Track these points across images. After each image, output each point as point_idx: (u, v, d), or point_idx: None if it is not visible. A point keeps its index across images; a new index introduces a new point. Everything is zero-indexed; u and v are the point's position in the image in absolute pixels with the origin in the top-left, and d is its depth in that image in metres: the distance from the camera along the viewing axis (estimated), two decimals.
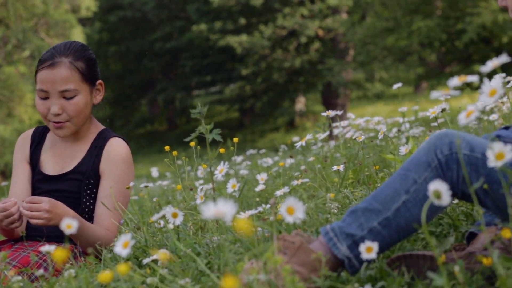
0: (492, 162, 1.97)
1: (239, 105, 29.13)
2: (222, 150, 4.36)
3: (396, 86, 5.25)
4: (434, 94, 1.97)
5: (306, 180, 2.97)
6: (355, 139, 3.49)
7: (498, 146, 1.98)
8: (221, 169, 3.06)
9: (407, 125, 5.75)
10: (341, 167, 3.72)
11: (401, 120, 5.81)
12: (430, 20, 19.78)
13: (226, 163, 3.07)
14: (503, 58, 1.92)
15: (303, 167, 5.67)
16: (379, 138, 3.11)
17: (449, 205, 2.35)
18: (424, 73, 22.48)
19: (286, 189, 2.92)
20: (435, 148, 2.28)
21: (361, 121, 5.60)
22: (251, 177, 6.78)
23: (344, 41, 24.45)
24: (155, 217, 2.22)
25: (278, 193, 2.95)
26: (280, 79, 26.04)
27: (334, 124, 5.66)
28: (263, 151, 8.72)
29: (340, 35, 25.17)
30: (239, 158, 8.14)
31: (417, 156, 2.32)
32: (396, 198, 2.29)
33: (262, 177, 2.95)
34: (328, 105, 25.85)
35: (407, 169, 2.31)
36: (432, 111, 2.67)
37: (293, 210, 2.12)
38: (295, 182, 2.94)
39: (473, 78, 1.97)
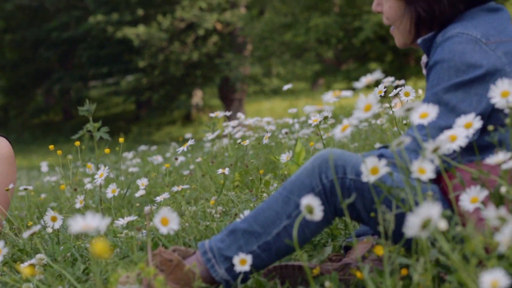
0: (366, 177, 1.98)
1: (136, 97, 28.87)
2: (107, 151, 4.29)
3: (286, 87, 5.27)
4: (307, 108, 1.95)
5: (186, 186, 2.92)
6: (240, 143, 3.46)
7: (372, 160, 1.99)
8: (101, 174, 2.99)
9: (297, 126, 5.77)
10: (226, 170, 3.69)
11: (291, 121, 5.82)
12: (327, 17, 19.97)
13: (107, 167, 3.00)
14: (377, 75, 1.92)
15: (192, 166, 5.64)
16: (264, 142, 3.09)
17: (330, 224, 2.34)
18: (321, 70, 22.73)
19: (166, 195, 2.87)
20: (320, 172, 2.25)
21: (251, 121, 5.60)
22: (141, 175, 6.71)
23: (242, 35, 24.48)
24: (26, 234, 2.14)
25: (158, 198, 2.90)
26: (177, 72, 25.91)
27: (224, 124, 5.64)
28: (154, 147, 8.66)
29: (238, 29, 25.20)
30: (129, 154, 8.05)
31: (300, 177, 2.27)
32: (277, 222, 2.25)
33: (142, 182, 2.89)
34: (225, 100, 25.88)
35: (290, 191, 2.26)
36: (314, 119, 2.66)
37: (167, 221, 2.08)
38: (175, 189, 2.90)
39: (347, 94, 1.96)
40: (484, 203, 1.99)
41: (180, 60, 25.26)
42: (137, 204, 3.13)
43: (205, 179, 4.43)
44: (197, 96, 29.82)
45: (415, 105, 1.91)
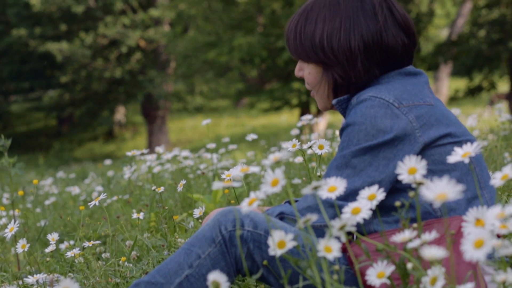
0: (273, 251, 1.98)
1: (58, 113, 28.48)
2: (35, 181, 4.22)
3: (205, 122, 5.26)
4: (216, 185, 1.94)
5: (97, 242, 2.88)
6: (154, 189, 3.42)
7: (279, 234, 1.99)
8: (11, 228, 2.91)
9: (216, 159, 5.75)
10: (141, 215, 3.65)
11: (209, 156, 5.81)
12: (251, 36, 20.03)
13: (17, 222, 2.93)
14: (284, 154, 1.92)
15: (109, 201, 5.57)
16: (178, 190, 3.07)
17: None
18: (245, 89, 22.78)
19: (76, 251, 2.82)
20: (219, 224, 2.30)
21: (169, 156, 5.56)
22: (61, 203, 6.61)
23: (165, 53, 24.39)
24: None
25: (69, 254, 2.85)
26: (100, 89, 25.67)
27: (148, 157, 5.59)
28: (72, 175, 8.55)
29: (162, 46, 25.10)
30: (47, 181, 7.92)
31: (202, 232, 2.33)
32: (179, 272, 2.30)
33: (53, 237, 2.84)
34: (148, 117, 25.72)
35: (192, 244, 2.32)
36: (228, 174, 2.66)
37: None
38: (86, 244, 2.85)
39: (254, 170, 1.96)
40: (391, 277, 2.00)
41: (103, 77, 25.03)
42: (47, 259, 3.07)
43: (120, 220, 4.39)
44: (120, 113, 29.59)
45: (322, 183, 1.92)
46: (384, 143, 2.26)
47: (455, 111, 6.23)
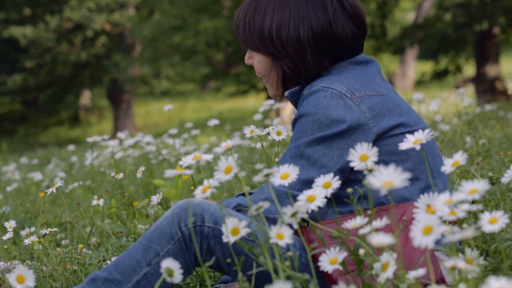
0: (226, 237, 1.99)
1: (22, 97, 28.21)
2: None
3: (167, 107, 5.24)
4: (169, 173, 1.95)
5: (55, 229, 2.87)
6: (114, 176, 3.41)
7: (232, 221, 2.00)
8: None
9: (178, 144, 5.75)
10: (101, 201, 3.64)
11: (171, 141, 5.80)
12: (217, 20, 19.96)
13: None
14: (236, 140, 1.92)
15: (71, 187, 5.54)
16: (138, 176, 3.06)
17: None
18: (211, 73, 22.74)
19: (34, 238, 2.81)
20: (179, 220, 2.29)
21: (131, 141, 5.55)
22: (24, 189, 6.57)
23: (131, 36, 24.24)
24: None
25: (26, 241, 2.83)
26: (65, 73, 25.46)
27: (110, 143, 5.57)
28: (36, 161, 8.50)
29: (127, 30, 24.94)
30: (11, 167, 7.86)
31: (160, 227, 2.31)
32: (138, 269, 2.28)
33: (10, 224, 2.82)
34: (114, 101, 25.59)
35: (150, 240, 2.30)
36: (184, 161, 2.65)
37: (24, 279, 2.04)
38: (43, 232, 2.84)
39: (207, 157, 1.96)
40: (345, 263, 2.02)
41: (68, 61, 24.82)
42: (5, 247, 3.06)
43: (81, 206, 4.37)
44: (85, 97, 29.40)
45: (274, 170, 1.93)
46: (338, 133, 2.28)
47: (418, 95, 6.27)
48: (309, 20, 2.38)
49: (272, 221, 2.30)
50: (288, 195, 2.28)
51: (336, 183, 2.05)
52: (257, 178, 1.90)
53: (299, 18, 2.39)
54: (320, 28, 2.38)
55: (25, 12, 24.82)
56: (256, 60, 2.52)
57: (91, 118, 29.24)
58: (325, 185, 2.07)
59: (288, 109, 14.89)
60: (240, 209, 2.39)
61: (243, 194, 2.49)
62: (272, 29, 2.42)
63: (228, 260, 2.27)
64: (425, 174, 2.34)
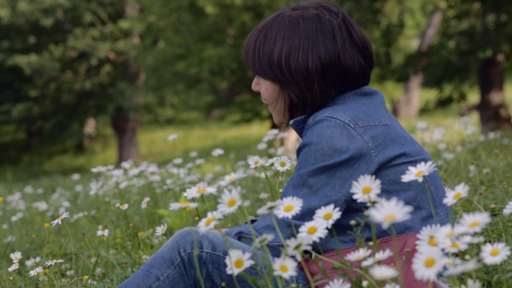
0: (230, 270, 2.01)
1: (27, 126, 28.27)
2: (0, 199, 4.21)
3: (171, 137, 5.27)
4: (173, 206, 1.97)
5: (60, 260, 2.88)
6: (118, 207, 3.43)
7: (236, 254, 2.02)
8: None
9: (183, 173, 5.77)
10: (106, 232, 3.65)
11: (176, 171, 5.82)
12: (221, 48, 20.04)
13: None
14: (239, 174, 1.95)
15: (76, 217, 5.55)
16: (143, 207, 3.07)
17: None
18: (215, 101, 22.77)
19: (39, 270, 2.83)
20: (178, 247, 2.33)
21: (135, 171, 5.57)
22: (29, 219, 6.57)
23: (135, 65, 24.34)
24: None
25: (32, 273, 2.85)
26: (69, 101, 25.55)
27: (115, 173, 5.59)
28: (40, 190, 8.51)
29: (131, 59, 25.05)
30: (15, 196, 7.87)
31: (160, 253, 2.36)
32: None
33: (15, 256, 2.83)
34: (118, 129, 25.64)
35: (151, 266, 2.35)
36: (189, 193, 2.67)
37: None
38: (48, 263, 2.85)
39: (211, 190, 1.99)
40: None
41: (73, 89, 24.91)
42: (11, 278, 3.07)
43: (86, 236, 4.38)
44: (90, 125, 29.47)
45: (278, 203, 1.95)
46: (340, 163, 2.30)
47: (422, 124, 6.28)
48: (318, 49, 2.41)
49: (272, 248, 2.33)
50: (286, 223, 2.30)
51: (336, 214, 2.07)
52: (261, 210, 1.92)
53: (308, 47, 2.41)
54: (328, 58, 2.41)
55: (29, 41, 24.94)
56: (263, 86, 2.55)
57: (96, 146, 29.28)
58: (326, 216, 2.09)
59: (292, 138, 14.93)
60: (241, 236, 2.41)
61: (251, 221, 2.51)
62: (281, 57, 2.44)
63: (223, 284, 2.30)
64: (427, 203, 2.36)
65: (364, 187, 2.01)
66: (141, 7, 24.21)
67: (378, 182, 2.00)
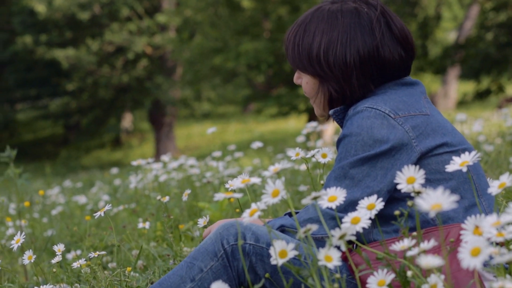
0: (274, 260, 2.01)
1: (64, 121, 28.50)
2: (27, 204, 4.25)
3: (210, 130, 5.28)
4: (218, 196, 1.98)
5: (103, 252, 2.91)
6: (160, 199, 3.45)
7: (280, 244, 2.02)
8: (17, 239, 2.93)
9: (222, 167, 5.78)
10: (147, 224, 3.68)
11: (215, 164, 5.84)
12: (258, 42, 20.02)
13: (23, 233, 2.96)
14: (284, 164, 1.95)
15: (116, 210, 5.60)
16: (184, 199, 3.09)
17: None
18: (252, 95, 22.77)
19: (82, 261, 2.85)
20: (222, 238, 2.34)
21: (175, 164, 5.59)
22: (68, 213, 6.64)
23: (172, 59, 24.43)
24: None
25: (75, 265, 2.88)
26: (106, 96, 25.72)
27: (154, 166, 5.62)
28: (79, 184, 8.59)
29: (168, 53, 25.13)
30: (55, 190, 7.96)
31: (204, 245, 2.37)
32: (182, 286, 2.34)
33: (59, 248, 2.86)
34: (155, 123, 25.76)
35: (194, 258, 2.36)
36: (230, 183, 2.68)
37: None
38: (91, 255, 2.88)
39: (256, 181, 1.99)
40: (391, 285, 2.03)
41: (110, 84, 25.08)
42: (54, 270, 3.10)
43: (126, 229, 4.42)
44: (127, 120, 29.62)
45: (322, 193, 1.95)
46: (381, 153, 2.29)
47: (461, 116, 6.24)
48: (356, 44, 2.41)
49: (316, 240, 2.33)
50: (330, 215, 2.30)
51: (379, 204, 2.07)
52: (305, 200, 1.92)
53: (347, 41, 2.41)
54: (366, 52, 2.40)
55: (66, 35, 25.13)
56: (304, 80, 2.55)
57: (133, 140, 29.44)
58: (369, 207, 2.09)
59: (329, 131, 14.89)
60: (283, 229, 2.41)
61: (289, 214, 2.51)
62: (320, 52, 2.44)
63: (267, 275, 2.30)
64: (469, 193, 2.34)
65: (408, 177, 2.01)
66: (178, 1, 24.28)
67: (422, 172, 2.00)
